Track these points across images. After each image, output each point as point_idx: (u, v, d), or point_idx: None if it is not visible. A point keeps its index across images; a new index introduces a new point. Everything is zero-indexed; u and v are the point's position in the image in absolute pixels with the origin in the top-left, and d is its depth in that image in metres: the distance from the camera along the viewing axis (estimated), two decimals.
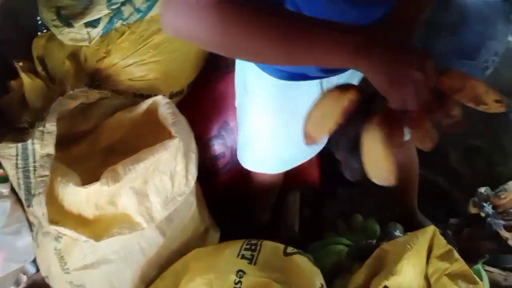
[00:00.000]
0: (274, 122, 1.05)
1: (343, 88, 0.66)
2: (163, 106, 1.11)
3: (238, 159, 1.27)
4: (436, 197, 1.59)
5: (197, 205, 1.24)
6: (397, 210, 1.51)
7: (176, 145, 1.02)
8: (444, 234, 1.35)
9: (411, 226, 1.36)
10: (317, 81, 0.94)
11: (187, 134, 1.10)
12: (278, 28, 0.59)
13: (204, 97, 1.44)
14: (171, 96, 1.36)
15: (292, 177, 1.57)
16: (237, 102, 1.15)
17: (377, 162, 0.64)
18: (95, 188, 0.98)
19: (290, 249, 1.07)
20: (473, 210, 1.40)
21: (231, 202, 1.52)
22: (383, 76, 0.59)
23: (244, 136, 1.18)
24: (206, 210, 1.33)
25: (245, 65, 1.01)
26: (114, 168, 0.99)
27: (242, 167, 1.44)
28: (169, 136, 1.04)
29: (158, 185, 1.05)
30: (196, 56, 1.37)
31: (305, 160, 1.23)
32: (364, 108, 0.69)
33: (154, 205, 1.06)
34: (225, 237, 1.30)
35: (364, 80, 0.65)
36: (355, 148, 0.71)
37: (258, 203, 1.51)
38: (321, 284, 1.00)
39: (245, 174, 1.43)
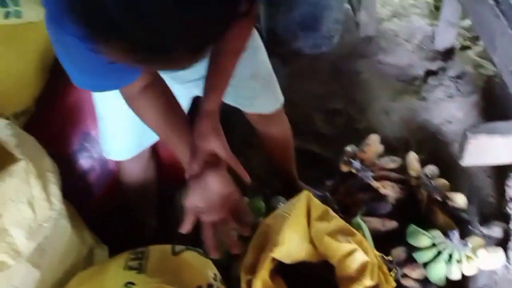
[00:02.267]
0: None
1: None
2: (2, 129, 0.99)
3: (104, 153, 1.26)
4: (311, 162, 1.68)
5: (73, 228, 1.14)
6: (276, 184, 1.56)
7: (24, 167, 0.92)
8: (323, 196, 1.44)
9: (295, 194, 1.42)
10: None
11: (37, 154, 1.00)
12: (159, 130, 0.95)
13: (56, 111, 1.33)
14: (16, 117, 1.23)
15: (175, 175, 1.53)
16: (94, 95, 1.15)
17: None
18: None
19: (178, 248, 1.05)
20: (344, 168, 1.50)
21: (115, 215, 1.45)
22: None
23: (104, 125, 1.19)
24: (87, 230, 1.25)
25: None
26: None
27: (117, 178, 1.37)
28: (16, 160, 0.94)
29: (17, 215, 0.93)
30: (37, 69, 1.25)
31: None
32: None
33: (17, 239, 0.95)
34: (117, 252, 1.23)
35: None
36: None
37: (139, 208, 1.46)
38: (214, 274, 1.00)
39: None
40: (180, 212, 1.52)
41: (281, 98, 1.33)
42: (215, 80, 0.91)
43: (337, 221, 1.06)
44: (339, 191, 1.47)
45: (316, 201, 1.08)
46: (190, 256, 1.02)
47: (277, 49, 2.09)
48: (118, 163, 1.32)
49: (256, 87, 1.22)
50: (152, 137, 1.21)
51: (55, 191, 1.01)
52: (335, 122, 1.87)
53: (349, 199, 1.44)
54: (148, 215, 1.49)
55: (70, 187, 1.21)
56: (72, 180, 1.34)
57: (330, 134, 1.81)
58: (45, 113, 1.31)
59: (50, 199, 1.00)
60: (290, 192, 1.47)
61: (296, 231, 1.02)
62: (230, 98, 1.22)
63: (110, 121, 1.17)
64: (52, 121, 1.31)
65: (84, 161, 1.34)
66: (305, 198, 1.07)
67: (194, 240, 1.19)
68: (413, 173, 1.44)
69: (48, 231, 1.01)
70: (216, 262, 1.05)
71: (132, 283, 0.95)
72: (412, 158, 1.48)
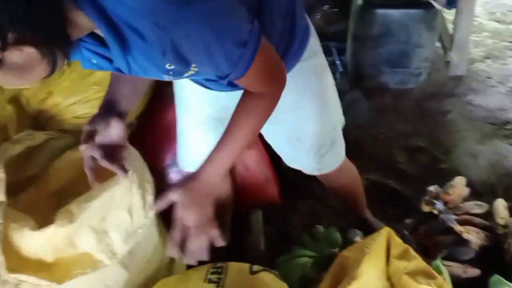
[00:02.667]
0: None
1: None
2: None
3: (179, 164, 1.32)
4: (389, 198, 1.66)
5: (159, 236, 1.22)
6: (352, 217, 1.55)
7: (129, 177, 1.01)
8: (401, 234, 1.41)
9: (368, 231, 1.41)
10: None
11: (140, 165, 1.09)
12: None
13: (155, 127, 1.44)
14: None
15: (252, 196, 1.59)
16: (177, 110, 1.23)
17: None
18: (52, 231, 0.96)
19: (256, 268, 1.08)
20: (426, 208, 1.46)
21: None
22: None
23: (180, 138, 1.26)
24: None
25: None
26: (68, 208, 0.97)
27: None
28: None
29: (117, 220, 1.03)
30: None
31: None
32: None
33: (115, 241, 1.04)
34: (192, 266, 1.29)
35: None
36: None
37: None
38: None
39: None
40: (254, 233, 1.58)
41: (336, 163, 1.25)
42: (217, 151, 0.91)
43: (417, 262, 1.04)
44: (418, 231, 1.43)
45: (397, 239, 1.07)
46: (268, 278, 1.05)
47: (361, 82, 2.12)
48: None
49: (300, 149, 1.18)
50: None
51: (151, 201, 1.10)
52: (418, 160, 1.83)
53: (428, 240, 1.39)
54: (221, 230, 1.54)
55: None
56: (161, 192, 1.44)
57: (412, 172, 1.78)
58: (144, 128, 1.43)
59: (146, 208, 1.09)
60: (364, 226, 1.46)
61: (374, 267, 1.01)
62: (273, 142, 1.23)
63: (185, 134, 1.24)
64: (150, 136, 1.43)
65: (174, 175, 1.43)
66: (385, 234, 1.07)
67: (269, 263, 1.22)
68: (500, 220, 1.37)
69: (141, 237, 1.10)
70: (291, 286, 1.07)
71: None
72: (500, 205, 1.41)
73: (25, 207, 1.08)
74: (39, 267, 1.00)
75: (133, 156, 1.09)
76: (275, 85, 0.89)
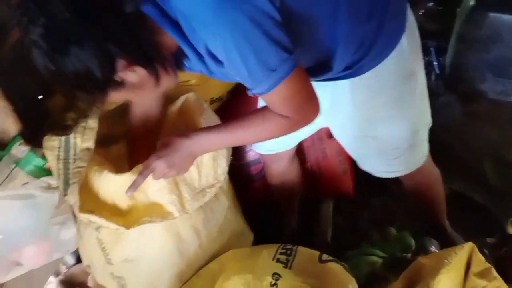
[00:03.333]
0: None
1: None
2: (194, 102, 1.14)
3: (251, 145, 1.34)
4: (472, 211, 1.57)
5: (230, 207, 1.25)
6: (427, 223, 1.49)
7: None
8: (481, 252, 1.33)
9: (443, 241, 1.35)
10: None
11: None
12: None
13: (242, 104, 1.47)
14: (211, 102, 1.39)
15: (327, 185, 1.58)
16: None
17: None
18: (127, 176, 1.01)
19: (325, 257, 1.08)
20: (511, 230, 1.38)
21: (263, 208, 1.55)
22: None
23: None
24: (241, 213, 1.34)
25: None
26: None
27: None
28: None
29: (185, 174, 1.04)
30: None
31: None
32: None
33: (183, 194, 1.06)
34: (257, 242, 1.31)
35: None
36: None
37: (282, 206, 1.53)
38: None
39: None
40: (322, 222, 1.57)
41: (408, 168, 1.20)
42: (228, 125, 0.96)
43: (498, 283, 0.99)
44: (500, 252, 1.35)
45: (479, 256, 1.02)
46: (336, 268, 1.05)
47: (458, 86, 2.00)
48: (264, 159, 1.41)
49: (372, 148, 1.14)
50: (289, 143, 1.29)
51: (223, 164, 1.11)
52: (508, 175, 1.70)
53: (509, 263, 1.31)
54: (289, 214, 1.55)
55: (235, 174, 1.33)
56: (238, 167, 1.47)
57: (500, 188, 1.66)
58: (233, 104, 1.46)
59: (217, 169, 1.10)
60: (439, 237, 1.39)
61: (451, 280, 0.98)
62: (341, 138, 1.20)
63: None
64: (237, 112, 1.46)
65: (253, 153, 1.46)
66: (468, 249, 1.02)
67: (334, 254, 1.21)
68: None
69: (213, 204, 1.13)
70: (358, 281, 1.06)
71: (279, 275, 1.01)
72: None
73: (114, 158, 1.15)
74: (114, 212, 1.05)
75: (209, 116, 1.14)
76: (299, 115, 0.91)
